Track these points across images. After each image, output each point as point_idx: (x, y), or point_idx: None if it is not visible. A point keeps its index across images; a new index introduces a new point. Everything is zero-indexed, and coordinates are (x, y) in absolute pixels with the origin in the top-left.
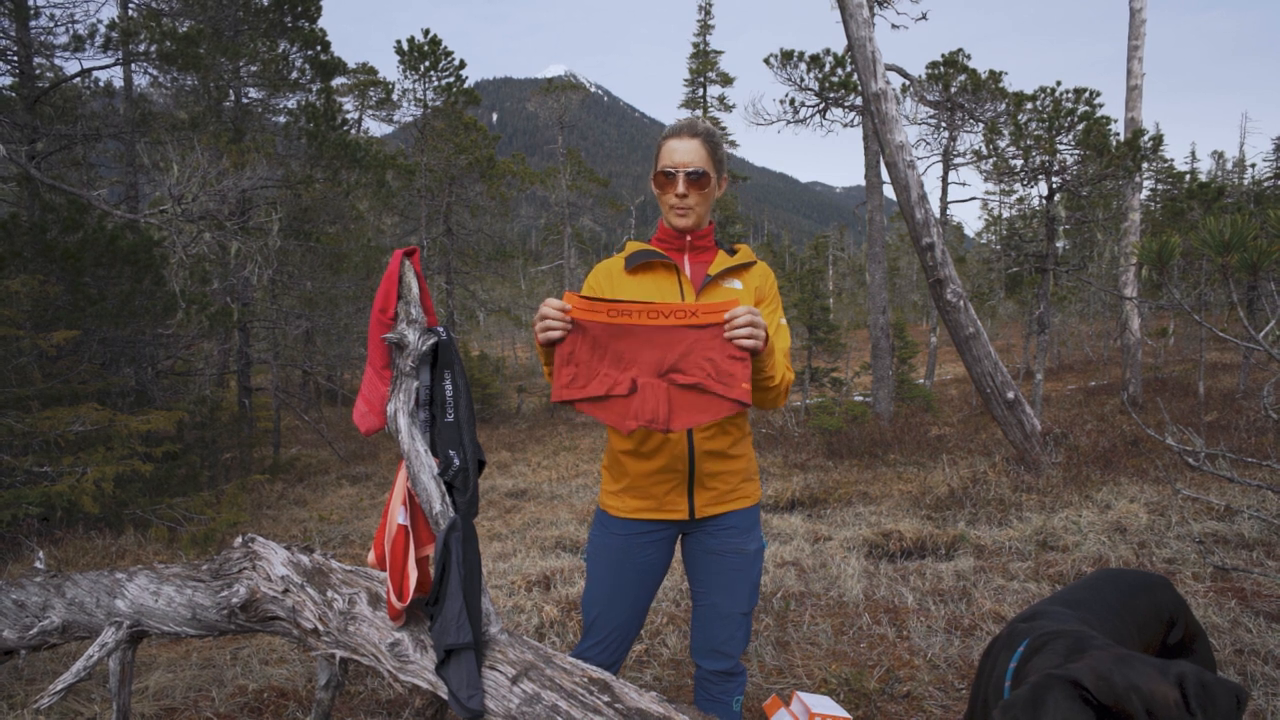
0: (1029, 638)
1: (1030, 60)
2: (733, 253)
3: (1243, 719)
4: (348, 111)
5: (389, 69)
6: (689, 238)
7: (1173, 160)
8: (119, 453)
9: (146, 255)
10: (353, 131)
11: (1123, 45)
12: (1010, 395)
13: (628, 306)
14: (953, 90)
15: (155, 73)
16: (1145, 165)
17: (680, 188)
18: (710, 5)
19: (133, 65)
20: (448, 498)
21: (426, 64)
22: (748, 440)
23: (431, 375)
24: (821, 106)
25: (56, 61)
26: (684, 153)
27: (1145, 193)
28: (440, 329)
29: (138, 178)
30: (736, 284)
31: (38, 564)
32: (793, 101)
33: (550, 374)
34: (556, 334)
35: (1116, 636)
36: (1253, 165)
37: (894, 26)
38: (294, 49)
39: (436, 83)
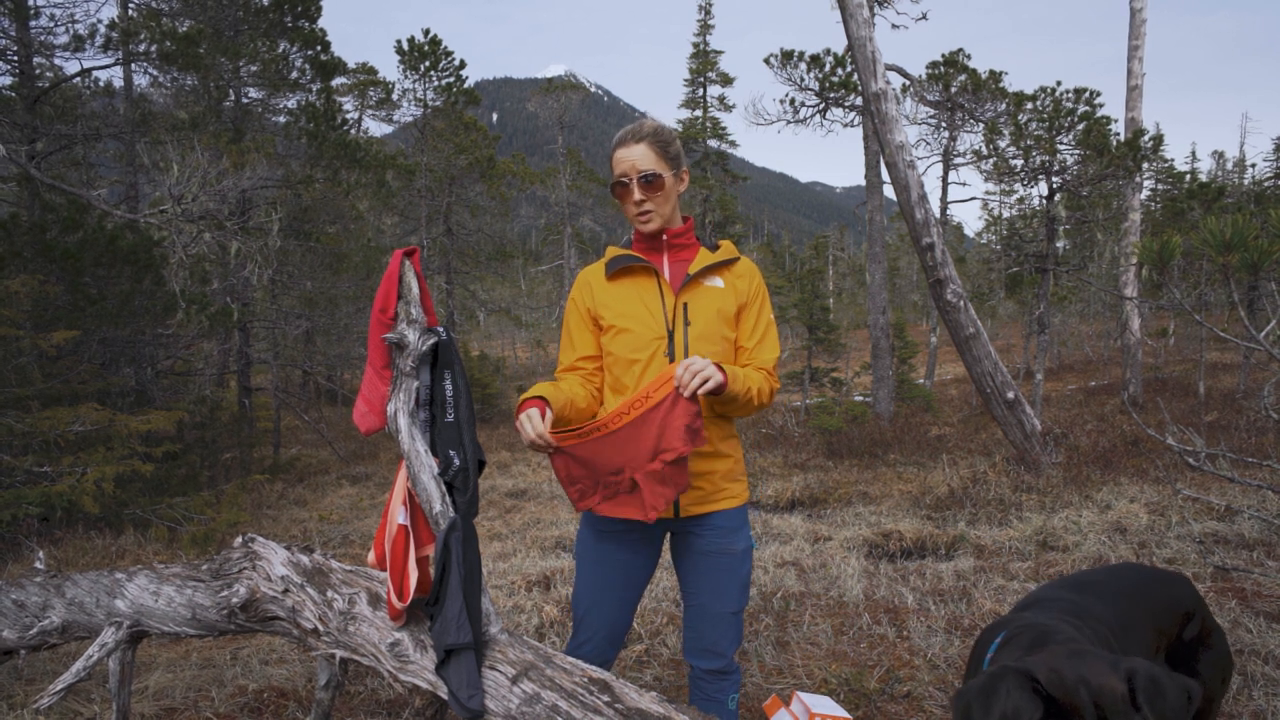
0: (1006, 630)
1: (1030, 60)
2: (715, 248)
3: (1215, 713)
4: (348, 111)
5: (389, 69)
6: (665, 237)
7: (1173, 160)
8: (119, 453)
9: (146, 255)
10: (353, 131)
11: (1123, 45)
12: (1010, 395)
13: (597, 422)
14: (953, 90)
15: (155, 73)
16: (1145, 165)
17: (636, 194)
18: (710, 5)
19: (133, 65)
20: (448, 498)
21: (426, 64)
22: (733, 440)
23: (431, 375)
24: (821, 106)
25: (56, 61)
26: (633, 158)
27: (1145, 193)
28: (440, 329)
29: (138, 178)
30: (718, 282)
31: (37, 564)
32: (793, 101)
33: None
34: (529, 439)
35: (1122, 619)
36: (1253, 165)
37: (894, 26)
38: (294, 49)
39: (436, 83)
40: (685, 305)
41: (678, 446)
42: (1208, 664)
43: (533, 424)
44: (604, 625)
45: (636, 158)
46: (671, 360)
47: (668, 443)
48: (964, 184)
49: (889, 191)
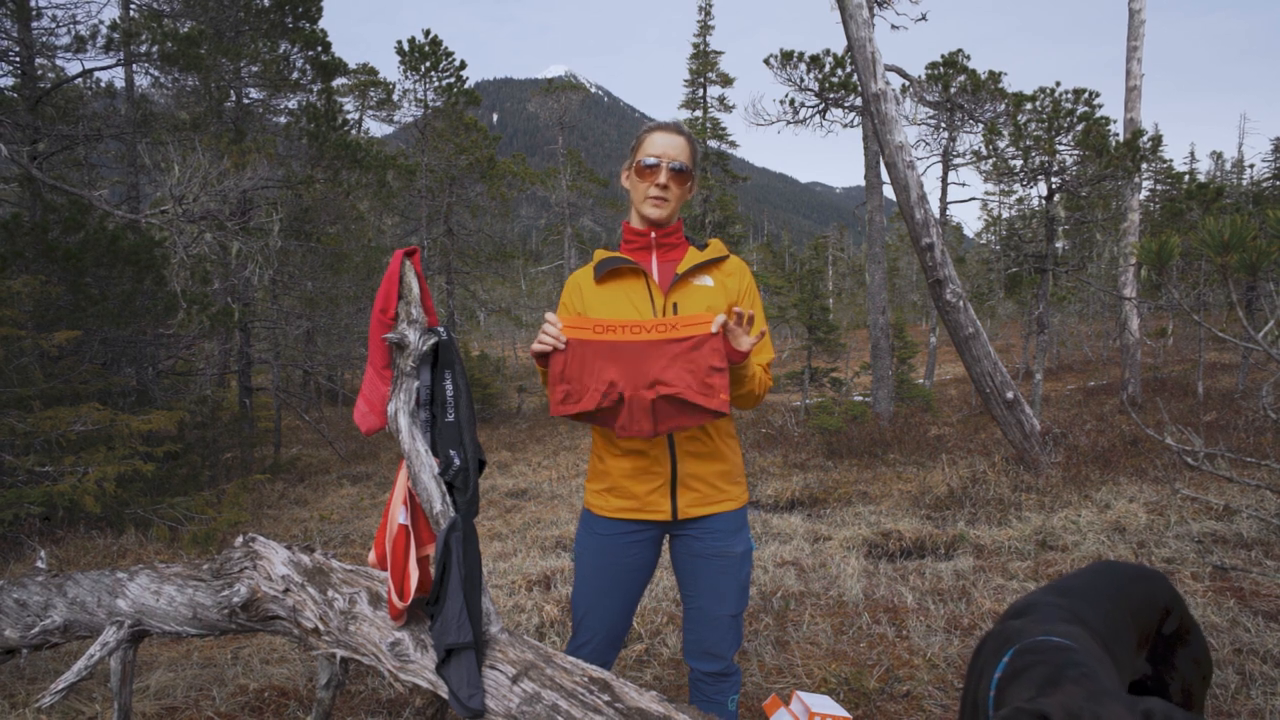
0: (1014, 648)
1: (1030, 61)
2: (704, 247)
3: None
4: (348, 112)
5: (390, 69)
6: (654, 235)
7: (1172, 161)
8: (120, 452)
9: (148, 255)
10: (353, 132)
11: (1122, 46)
12: (1009, 395)
13: (611, 323)
14: (952, 91)
15: (156, 73)
16: (1144, 166)
17: (662, 178)
18: (710, 6)
19: (134, 66)
20: (448, 497)
21: (427, 64)
22: (733, 441)
23: (432, 375)
24: (821, 107)
25: (58, 62)
26: (670, 146)
27: (1144, 193)
28: (441, 329)
29: (139, 178)
30: (707, 280)
31: (39, 563)
32: (793, 102)
33: (546, 384)
34: (544, 347)
35: (1109, 623)
36: (1251, 166)
37: (894, 27)
38: (295, 49)
39: (437, 83)
40: (675, 305)
41: (680, 388)
42: (1186, 659)
43: (550, 321)
44: (603, 627)
45: (676, 146)
46: None
47: (673, 378)
48: (963, 184)
49: (889, 192)
